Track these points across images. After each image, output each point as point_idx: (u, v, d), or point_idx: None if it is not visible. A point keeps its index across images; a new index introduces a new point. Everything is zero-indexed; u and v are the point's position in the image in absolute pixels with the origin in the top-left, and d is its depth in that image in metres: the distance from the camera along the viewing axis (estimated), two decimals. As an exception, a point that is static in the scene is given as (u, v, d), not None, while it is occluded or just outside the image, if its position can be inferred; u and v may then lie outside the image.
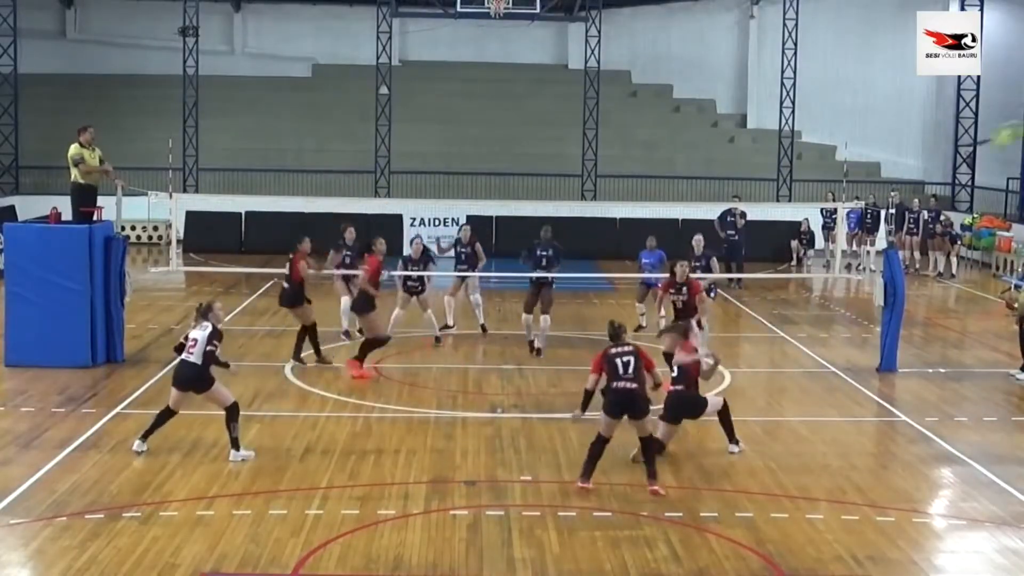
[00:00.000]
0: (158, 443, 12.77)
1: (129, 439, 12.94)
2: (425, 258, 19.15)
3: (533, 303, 18.42)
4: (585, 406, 12.06)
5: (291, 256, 17.53)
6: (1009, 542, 10.62)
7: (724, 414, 13.02)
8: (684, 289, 16.16)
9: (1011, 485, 12.17)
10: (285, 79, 39.77)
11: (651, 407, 11.93)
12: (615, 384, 11.67)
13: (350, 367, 16.51)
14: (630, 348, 11.86)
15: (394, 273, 18.92)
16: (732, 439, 13.08)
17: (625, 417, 11.68)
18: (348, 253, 19.39)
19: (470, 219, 31.32)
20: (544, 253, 18.49)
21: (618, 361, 11.69)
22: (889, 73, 37.78)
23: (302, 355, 17.37)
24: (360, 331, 18.38)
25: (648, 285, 20.22)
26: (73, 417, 14.18)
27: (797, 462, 12.93)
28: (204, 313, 12.73)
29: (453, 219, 30.85)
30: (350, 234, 19.85)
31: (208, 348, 12.42)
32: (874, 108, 38.84)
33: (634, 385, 11.62)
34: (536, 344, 18.40)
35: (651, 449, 11.71)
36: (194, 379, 12.52)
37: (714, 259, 19.69)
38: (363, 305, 16.78)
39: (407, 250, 20.27)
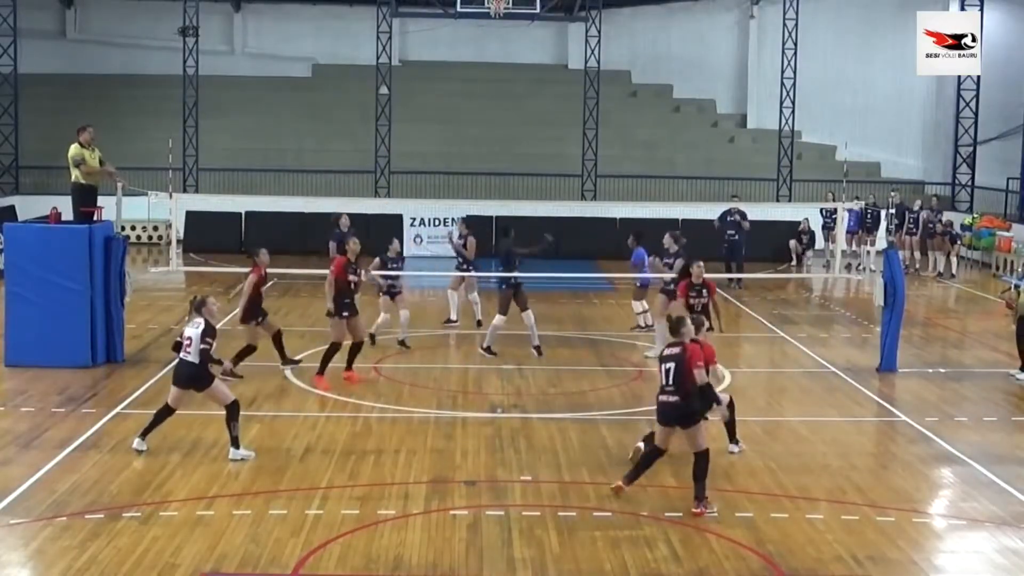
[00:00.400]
0: (158, 443, 12.77)
1: (129, 439, 12.94)
2: (401, 258, 19.23)
3: (509, 305, 18.32)
4: None
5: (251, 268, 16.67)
6: (1009, 542, 10.62)
7: (729, 413, 12.95)
8: (703, 291, 16.07)
9: (1011, 485, 12.18)
10: (285, 79, 39.77)
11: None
12: (659, 396, 11.39)
13: (316, 383, 15.96)
14: (675, 351, 11.33)
15: (373, 273, 18.69)
16: (732, 439, 13.07)
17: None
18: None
19: (470, 219, 31.29)
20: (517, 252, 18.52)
21: (663, 368, 11.33)
22: (889, 73, 37.78)
23: (290, 356, 17.07)
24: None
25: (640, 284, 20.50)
26: (73, 417, 14.18)
27: (797, 462, 12.94)
28: (197, 308, 12.64)
29: (453, 219, 30.80)
30: (344, 221, 19.92)
31: (202, 346, 12.39)
32: (874, 108, 38.83)
33: (675, 398, 11.20)
34: (533, 343, 18.36)
35: (701, 466, 11.14)
36: (193, 377, 12.50)
37: (680, 260, 19.35)
38: (328, 309, 16.15)
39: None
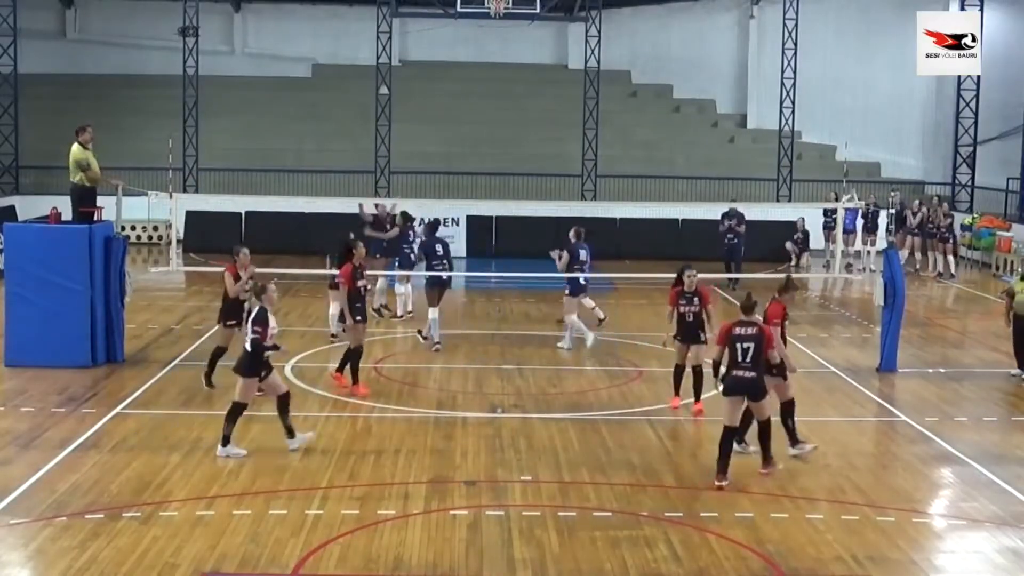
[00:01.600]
0: (158, 443, 12.80)
1: (129, 439, 12.96)
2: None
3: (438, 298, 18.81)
4: (716, 374, 12.23)
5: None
6: (1009, 542, 10.63)
7: (785, 416, 12.96)
8: (695, 299, 14.93)
9: (1011, 485, 12.19)
10: (285, 79, 39.75)
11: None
12: (734, 372, 11.95)
13: (336, 380, 15.93)
14: (752, 331, 11.98)
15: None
16: (740, 439, 12.94)
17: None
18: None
19: (470, 219, 31.40)
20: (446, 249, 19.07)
21: (739, 346, 11.88)
22: (889, 73, 37.74)
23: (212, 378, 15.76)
24: (382, 308, 20.92)
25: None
26: (73, 417, 14.18)
27: (797, 462, 12.92)
28: (258, 294, 12.83)
29: (453, 219, 30.85)
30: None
31: (252, 335, 12.40)
32: (874, 108, 38.80)
33: (752, 374, 11.92)
34: (426, 331, 18.77)
35: (767, 431, 12.13)
36: (241, 364, 12.59)
37: (565, 253, 19.10)
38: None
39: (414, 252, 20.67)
